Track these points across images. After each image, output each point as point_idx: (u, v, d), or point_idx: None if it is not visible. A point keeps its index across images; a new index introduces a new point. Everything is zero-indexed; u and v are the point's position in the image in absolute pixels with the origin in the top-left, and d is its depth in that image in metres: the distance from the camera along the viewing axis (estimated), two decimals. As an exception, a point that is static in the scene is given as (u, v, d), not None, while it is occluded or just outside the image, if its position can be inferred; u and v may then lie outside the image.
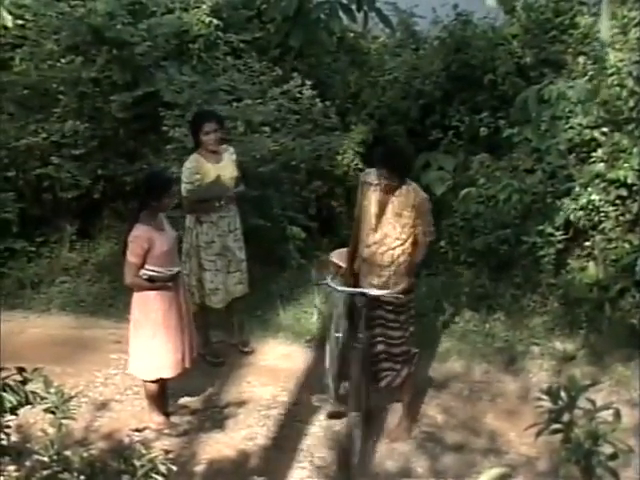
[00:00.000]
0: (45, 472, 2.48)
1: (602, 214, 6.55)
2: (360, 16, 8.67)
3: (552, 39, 8.13)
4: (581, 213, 6.59)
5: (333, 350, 5.55)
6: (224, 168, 6.10)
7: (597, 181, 6.57)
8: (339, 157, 7.91)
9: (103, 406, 5.85)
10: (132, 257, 5.15)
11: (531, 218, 6.80)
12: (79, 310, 7.16)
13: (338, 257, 5.64)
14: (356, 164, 7.84)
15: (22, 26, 8.17)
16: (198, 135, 6.05)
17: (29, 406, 2.64)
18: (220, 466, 5.25)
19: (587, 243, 6.72)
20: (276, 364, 6.36)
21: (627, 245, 6.46)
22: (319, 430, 5.54)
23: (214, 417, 5.72)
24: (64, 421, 2.62)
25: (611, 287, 6.40)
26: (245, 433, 5.55)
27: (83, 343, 6.61)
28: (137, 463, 2.50)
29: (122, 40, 7.85)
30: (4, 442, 2.61)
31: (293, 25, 8.52)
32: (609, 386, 5.82)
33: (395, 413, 5.56)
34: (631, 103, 6.52)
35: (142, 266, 5.16)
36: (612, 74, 6.57)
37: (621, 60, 6.60)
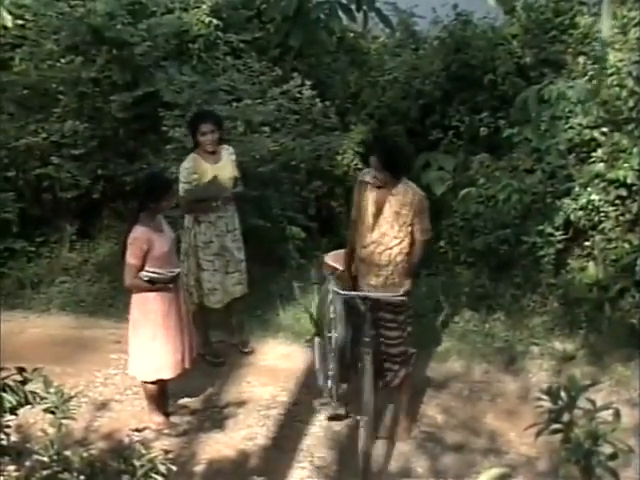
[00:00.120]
0: (45, 472, 2.48)
1: (602, 214, 6.55)
2: (360, 16, 8.66)
3: (552, 39, 8.13)
4: (581, 213, 6.59)
5: (329, 350, 5.55)
6: (222, 168, 6.09)
7: (597, 181, 6.57)
8: (339, 157, 7.91)
9: (103, 406, 5.85)
10: (132, 259, 5.15)
11: (531, 218, 6.80)
12: (79, 310, 7.16)
13: (333, 259, 5.64)
14: (356, 164, 7.84)
15: (22, 26, 8.17)
16: (196, 135, 6.06)
17: (29, 406, 2.64)
18: (220, 466, 5.25)
19: (587, 243, 6.72)
20: (276, 364, 6.36)
21: (627, 245, 6.46)
22: (319, 430, 5.54)
23: (214, 417, 5.72)
24: (64, 421, 2.62)
25: (611, 287, 6.40)
26: (245, 433, 5.55)
27: (83, 343, 6.61)
28: (137, 463, 2.50)
29: (122, 40, 7.86)
30: (4, 442, 2.62)
31: (293, 25, 8.50)
32: (609, 386, 5.82)
33: (394, 413, 5.56)
34: (631, 103, 6.52)
35: (142, 268, 5.16)
36: (612, 74, 6.57)
37: (621, 60, 6.60)
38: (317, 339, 5.95)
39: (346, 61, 9.27)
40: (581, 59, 7.34)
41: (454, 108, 8.21)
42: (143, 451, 2.53)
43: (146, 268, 5.16)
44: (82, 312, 7.13)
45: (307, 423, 5.62)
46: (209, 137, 6.01)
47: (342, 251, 5.56)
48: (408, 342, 5.27)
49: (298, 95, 8.02)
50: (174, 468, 2.56)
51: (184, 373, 5.43)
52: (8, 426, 2.64)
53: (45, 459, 2.49)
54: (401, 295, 5.08)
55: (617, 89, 6.53)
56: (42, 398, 2.62)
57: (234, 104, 7.66)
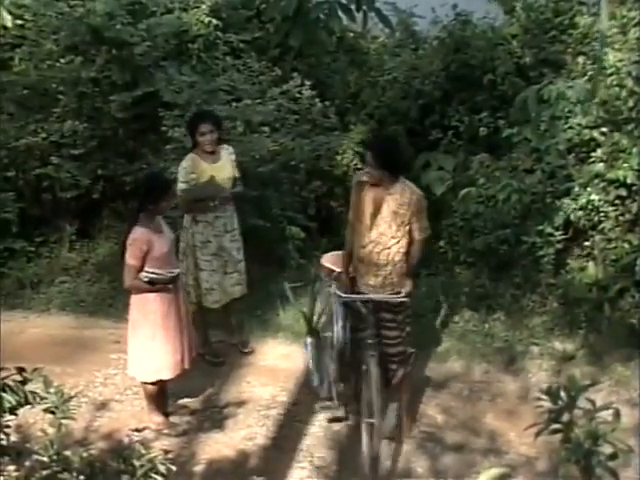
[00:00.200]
0: (45, 472, 2.48)
1: (602, 214, 6.55)
2: (359, 16, 8.71)
3: (551, 39, 8.13)
4: (580, 213, 6.59)
5: (327, 351, 5.56)
6: (220, 168, 6.09)
7: (596, 181, 6.57)
8: (338, 157, 7.91)
9: (103, 406, 5.85)
10: (131, 260, 5.14)
11: (531, 218, 6.80)
12: (79, 310, 7.16)
13: (329, 261, 5.64)
14: (355, 164, 7.84)
15: (21, 26, 8.17)
16: (195, 136, 6.07)
17: (29, 406, 2.64)
18: (219, 466, 5.25)
19: (587, 243, 6.72)
20: (276, 364, 6.36)
21: (627, 245, 6.46)
22: (319, 430, 5.54)
23: (214, 417, 5.72)
24: (64, 421, 2.62)
25: (610, 287, 6.40)
26: (245, 433, 5.55)
27: (83, 343, 6.61)
28: (137, 463, 2.50)
29: (121, 40, 7.86)
30: (4, 442, 2.61)
31: (293, 25, 8.54)
32: (609, 386, 5.82)
33: (393, 413, 5.55)
34: (630, 103, 6.52)
35: (141, 269, 5.16)
36: (611, 74, 6.57)
37: (621, 60, 6.60)
38: (309, 339, 5.96)
39: (346, 61, 9.27)
40: (580, 59, 7.34)
41: (454, 108, 8.21)
42: (143, 451, 2.53)
43: (146, 269, 5.15)
44: (82, 312, 7.13)
45: (307, 423, 5.62)
46: (208, 137, 6.01)
47: (338, 252, 5.56)
48: (407, 342, 5.27)
49: (298, 95, 8.02)
50: (174, 468, 2.56)
51: (184, 373, 5.43)
52: (8, 426, 2.64)
53: (45, 459, 2.49)
54: (403, 296, 5.09)
55: (617, 89, 6.53)
56: (42, 398, 2.62)
57: (234, 104, 7.66)
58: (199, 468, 5.22)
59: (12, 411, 2.59)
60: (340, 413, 5.55)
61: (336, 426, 5.54)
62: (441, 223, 7.17)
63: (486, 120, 7.90)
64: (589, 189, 6.56)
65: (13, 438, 2.67)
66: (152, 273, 5.15)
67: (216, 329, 6.50)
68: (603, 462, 1.97)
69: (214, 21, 8.49)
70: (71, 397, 2.67)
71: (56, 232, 7.90)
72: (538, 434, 2.04)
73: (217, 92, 7.79)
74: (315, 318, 5.91)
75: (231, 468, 5.24)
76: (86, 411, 5.64)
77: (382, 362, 5.18)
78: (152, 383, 5.42)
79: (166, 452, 2.73)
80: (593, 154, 6.70)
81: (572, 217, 6.62)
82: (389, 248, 5.05)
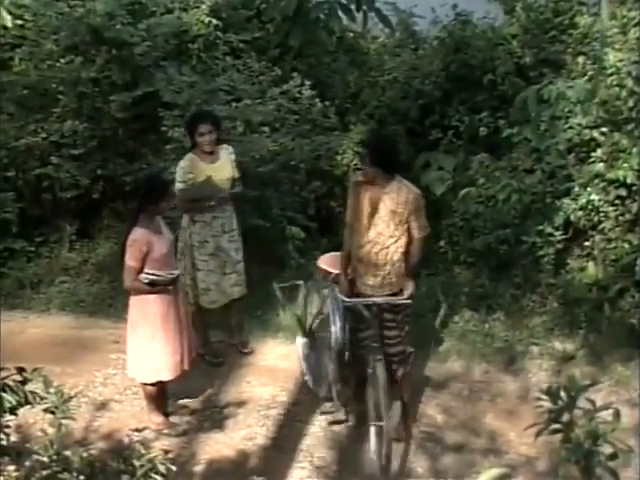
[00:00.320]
0: (45, 472, 2.48)
1: (602, 214, 6.55)
2: (359, 16, 8.71)
3: (551, 39, 8.13)
4: (580, 213, 6.59)
5: (325, 352, 5.56)
6: (219, 168, 6.08)
7: (596, 181, 6.57)
8: (338, 157, 7.91)
9: (103, 406, 5.85)
10: (131, 261, 5.14)
11: (530, 218, 6.80)
12: (79, 310, 7.16)
13: (326, 262, 5.63)
14: (355, 164, 7.83)
15: (21, 26, 8.17)
16: (194, 136, 6.07)
17: (29, 406, 2.64)
18: (219, 466, 5.25)
19: (587, 243, 6.72)
20: (276, 364, 6.36)
21: (627, 245, 6.46)
22: (319, 430, 5.54)
23: (213, 417, 5.72)
24: (64, 421, 2.62)
25: (610, 287, 6.40)
26: (245, 433, 5.55)
27: (83, 343, 6.61)
28: (136, 463, 2.50)
29: (121, 40, 7.86)
30: (4, 442, 2.62)
31: (293, 25, 8.54)
32: (609, 386, 5.82)
33: (396, 413, 5.55)
34: (630, 103, 6.51)
35: (141, 270, 5.15)
36: (612, 74, 6.57)
37: (621, 60, 6.60)
38: (301, 340, 5.96)
39: (346, 61, 9.27)
40: (580, 59, 7.34)
41: (454, 108, 8.21)
42: (143, 451, 2.54)
43: (145, 270, 5.15)
44: (82, 312, 7.13)
45: (307, 423, 5.62)
46: (206, 137, 6.00)
47: (335, 254, 5.56)
48: (406, 341, 5.26)
49: (298, 95, 8.02)
50: (174, 468, 2.57)
51: (183, 374, 5.43)
52: (8, 426, 2.64)
53: (45, 459, 2.49)
54: (407, 298, 5.09)
55: (617, 89, 6.53)
56: (42, 398, 2.63)
57: (234, 104, 7.65)
58: (199, 468, 5.22)
59: (12, 411, 2.59)
60: (340, 415, 5.55)
61: (336, 426, 5.54)
62: (441, 223, 7.17)
63: (486, 120, 7.89)
64: (589, 189, 6.56)
65: (13, 438, 2.68)
66: (152, 274, 5.15)
67: (216, 329, 6.50)
68: (603, 462, 1.97)
69: (214, 21, 8.48)
70: (71, 397, 2.67)
71: (56, 232, 7.90)
72: (538, 434, 2.04)
73: (217, 92, 7.78)
74: (310, 319, 5.91)
75: (231, 468, 5.24)
76: (86, 411, 5.65)
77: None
78: (152, 384, 5.42)
79: (166, 452, 2.73)
80: (593, 154, 6.70)
81: (572, 217, 6.62)
82: (387, 248, 5.05)
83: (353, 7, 8.49)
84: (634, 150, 6.43)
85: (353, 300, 5.12)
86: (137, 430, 5.54)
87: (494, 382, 6.07)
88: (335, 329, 5.40)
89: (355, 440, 5.43)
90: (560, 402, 2.02)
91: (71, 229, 7.88)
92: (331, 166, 7.90)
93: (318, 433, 5.52)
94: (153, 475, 2.48)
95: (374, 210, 5.01)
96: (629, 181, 6.40)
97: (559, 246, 6.65)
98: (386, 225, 5.01)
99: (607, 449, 1.98)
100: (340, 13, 8.52)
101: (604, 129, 6.68)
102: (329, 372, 5.55)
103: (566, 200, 6.66)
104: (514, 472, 4.93)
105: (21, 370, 2.65)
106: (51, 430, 2.61)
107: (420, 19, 9.23)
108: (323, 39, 8.80)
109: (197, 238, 6.10)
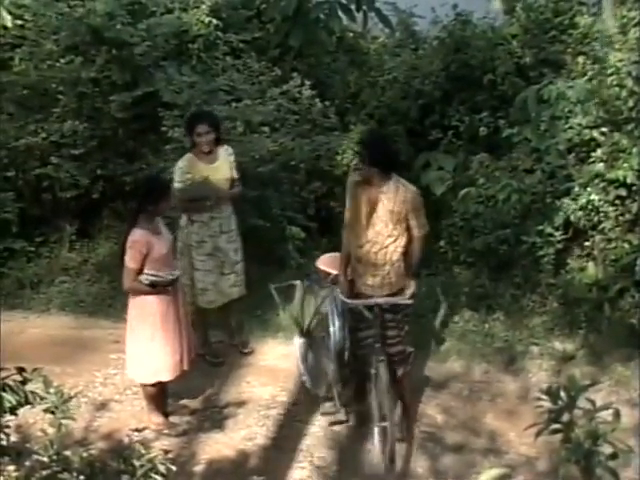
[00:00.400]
0: (45, 472, 2.49)
1: (601, 214, 6.55)
2: (359, 16, 8.71)
3: (551, 39, 8.12)
4: (580, 213, 6.59)
5: (324, 352, 5.56)
6: (217, 169, 6.07)
7: (596, 181, 6.57)
8: (338, 157, 7.91)
9: (102, 406, 5.85)
10: (131, 262, 5.13)
11: (530, 218, 6.80)
12: (78, 310, 7.16)
13: (325, 263, 5.63)
14: (356, 164, 7.83)
15: (21, 26, 8.17)
16: (192, 136, 6.07)
17: (29, 406, 2.64)
18: (219, 466, 5.25)
19: (587, 243, 6.72)
20: (275, 364, 6.36)
21: (627, 245, 6.46)
22: (319, 430, 5.54)
23: (213, 417, 5.72)
24: (64, 421, 2.62)
25: (610, 287, 6.40)
26: (244, 433, 5.55)
27: (82, 343, 6.61)
28: (136, 463, 2.50)
29: (121, 40, 7.86)
30: (4, 442, 2.62)
31: (293, 25, 8.55)
32: (609, 386, 5.81)
33: (398, 412, 5.55)
34: (630, 103, 6.52)
35: (141, 271, 5.15)
36: (612, 74, 6.57)
37: (621, 60, 6.60)
38: (299, 340, 5.95)
39: (346, 61, 9.27)
40: (580, 59, 7.34)
41: (454, 108, 8.21)
42: (143, 451, 2.54)
43: (145, 271, 5.14)
44: (81, 312, 7.13)
45: (307, 423, 5.62)
46: (204, 138, 6.00)
47: (334, 255, 5.55)
48: (406, 341, 5.26)
49: (298, 95, 8.02)
50: (174, 468, 2.57)
51: (183, 375, 5.43)
52: (8, 426, 2.64)
53: (45, 459, 2.50)
54: (408, 298, 5.09)
55: (617, 89, 6.53)
56: (42, 398, 2.63)
57: (233, 104, 7.65)
58: (199, 468, 5.22)
59: (12, 411, 2.59)
60: (341, 416, 5.54)
61: (336, 427, 5.53)
62: (441, 223, 7.16)
63: (486, 120, 7.89)
64: (589, 189, 6.56)
65: (13, 438, 2.68)
66: (153, 276, 5.14)
67: (216, 329, 6.50)
68: (603, 462, 1.97)
69: (214, 21, 8.48)
70: (71, 397, 2.68)
71: (56, 232, 7.90)
72: (538, 434, 2.04)
73: (217, 92, 7.78)
74: (307, 319, 5.91)
75: (231, 468, 5.24)
76: (86, 411, 5.65)
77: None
78: (151, 385, 5.42)
79: (166, 452, 2.74)
80: (593, 154, 6.70)
81: (572, 217, 6.62)
82: (386, 247, 5.04)
83: (353, 7, 8.49)
84: (634, 150, 6.43)
85: (355, 301, 5.12)
86: (137, 430, 5.53)
87: (494, 382, 6.07)
88: (334, 329, 5.40)
89: (355, 440, 5.43)
90: (560, 402, 2.02)
91: (71, 229, 7.88)
92: (331, 166, 7.90)
93: (318, 433, 5.52)
94: (153, 475, 2.49)
95: (372, 210, 5.01)
96: (629, 181, 6.40)
97: (559, 246, 6.65)
98: (384, 225, 5.01)
99: (607, 449, 1.99)
100: (340, 13, 8.52)
101: (604, 129, 6.68)
102: (329, 372, 5.55)
103: (566, 200, 6.66)
104: (514, 472, 4.93)
105: (21, 370, 2.65)
106: (51, 430, 2.61)
107: (420, 19, 9.23)
108: (323, 39, 8.80)
109: (195, 238, 6.09)
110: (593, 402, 2.04)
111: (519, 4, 8.46)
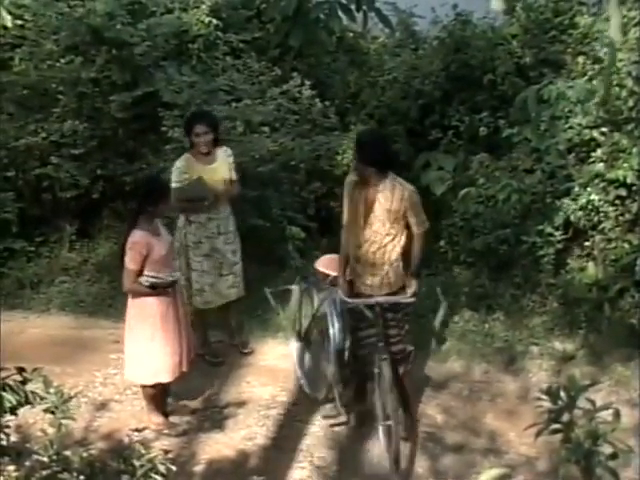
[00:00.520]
0: (45, 472, 2.49)
1: (601, 214, 6.55)
2: (359, 16, 8.68)
3: (552, 39, 8.13)
4: (580, 213, 6.59)
5: (324, 353, 5.55)
6: (214, 170, 6.06)
7: (596, 181, 6.57)
8: (338, 157, 7.91)
9: (102, 406, 5.85)
10: (131, 264, 5.12)
11: (530, 218, 6.80)
12: (78, 310, 7.16)
13: (324, 264, 5.62)
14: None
15: (21, 26, 8.17)
16: (190, 136, 6.06)
17: (29, 406, 2.64)
18: (219, 466, 5.25)
19: (587, 243, 6.73)
20: (275, 364, 6.36)
21: (626, 245, 6.46)
22: (319, 430, 5.54)
23: (213, 417, 5.72)
24: (64, 421, 2.62)
25: (610, 287, 6.40)
26: (244, 433, 5.55)
27: (82, 343, 6.61)
28: (136, 463, 2.50)
29: (121, 40, 7.85)
30: (4, 442, 2.62)
31: (292, 25, 8.52)
32: (609, 386, 5.81)
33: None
34: (630, 103, 6.52)
35: (141, 272, 5.14)
36: (611, 74, 6.56)
37: (621, 60, 6.60)
38: (296, 344, 5.95)
39: (346, 61, 9.27)
40: (580, 59, 7.34)
41: (454, 108, 8.21)
42: (143, 451, 2.54)
43: (145, 272, 5.13)
44: (81, 312, 7.13)
45: (307, 423, 5.62)
46: (202, 138, 5.99)
47: (333, 256, 5.55)
48: (406, 340, 5.26)
49: (298, 95, 8.02)
50: (174, 468, 2.57)
51: (182, 376, 5.42)
52: (8, 426, 2.64)
53: (45, 459, 2.50)
54: (410, 297, 5.09)
55: (617, 89, 6.53)
56: (42, 398, 2.63)
57: (233, 104, 7.65)
58: (199, 468, 5.22)
59: (12, 411, 2.59)
60: (342, 417, 5.53)
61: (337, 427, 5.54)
62: (441, 223, 7.16)
63: (486, 120, 7.89)
64: (589, 189, 6.57)
65: (13, 438, 2.68)
66: (153, 277, 5.14)
67: (215, 329, 6.50)
68: (603, 462, 1.97)
69: (214, 21, 8.48)
70: (71, 397, 2.68)
71: (56, 232, 7.90)
72: (538, 434, 2.04)
73: (217, 92, 7.78)
74: (304, 321, 5.91)
75: (231, 468, 5.24)
76: (86, 411, 5.65)
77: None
78: (151, 386, 5.42)
79: (166, 452, 2.74)
80: (593, 154, 6.70)
81: (572, 217, 6.62)
82: (384, 247, 5.04)
83: (353, 7, 8.47)
84: (634, 150, 6.44)
85: (356, 301, 5.11)
86: (137, 430, 5.53)
87: (494, 382, 6.07)
88: (334, 331, 5.40)
89: (355, 440, 5.43)
90: (560, 402, 2.02)
91: (71, 229, 7.89)
92: (331, 166, 7.90)
93: (318, 433, 5.52)
94: (153, 475, 2.49)
95: (369, 209, 5.01)
96: (629, 181, 6.40)
97: (559, 246, 6.65)
98: (382, 224, 5.01)
99: (607, 449, 1.99)
100: (340, 13, 8.49)
101: (604, 129, 6.68)
102: (329, 374, 5.55)
103: (566, 200, 6.67)
104: (514, 472, 4.93)
105: (21, 370, 2.65)
106: (51, 430, 2.61)
107: (420, 19, 9.22)
108: (323, 39, 8.77)
109: (192, 239, 6.09)
110: (593, 402, 2.04)
111: (519, 4, 8.46)
